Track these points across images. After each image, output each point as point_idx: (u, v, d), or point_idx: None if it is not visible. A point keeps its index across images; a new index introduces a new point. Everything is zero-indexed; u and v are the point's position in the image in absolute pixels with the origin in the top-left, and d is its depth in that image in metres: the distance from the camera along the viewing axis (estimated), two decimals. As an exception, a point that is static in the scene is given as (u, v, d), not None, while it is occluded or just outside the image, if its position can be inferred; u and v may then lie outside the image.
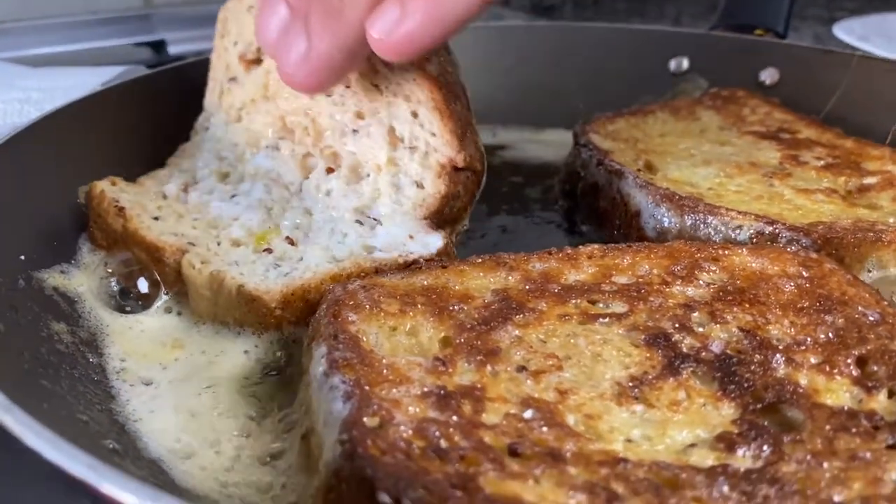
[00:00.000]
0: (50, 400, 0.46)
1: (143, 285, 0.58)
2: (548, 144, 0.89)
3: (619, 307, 0.47)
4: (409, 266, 0.53)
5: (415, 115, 0.58)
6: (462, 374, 0.42)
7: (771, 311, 0.46)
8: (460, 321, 0.45)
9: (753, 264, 0.50)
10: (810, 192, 0.62)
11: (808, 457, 0.36)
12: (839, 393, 0.41)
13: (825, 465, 0.36)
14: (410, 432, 0.37)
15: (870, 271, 0.55)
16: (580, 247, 0.52)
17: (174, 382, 0.51)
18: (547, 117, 0.90)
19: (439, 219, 0.57)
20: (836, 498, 0.34)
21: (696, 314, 0.46)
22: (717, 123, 0.77)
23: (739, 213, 0.57)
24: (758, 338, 0.44)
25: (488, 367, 0.42)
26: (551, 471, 0.35)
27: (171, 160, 0.69)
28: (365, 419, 0.37)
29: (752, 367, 0.42)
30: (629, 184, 0.64)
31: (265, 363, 0.52)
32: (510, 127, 0.91)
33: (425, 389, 0.40)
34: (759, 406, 0.40)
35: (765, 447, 0.37)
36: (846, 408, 0.40)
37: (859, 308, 0.46)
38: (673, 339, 0.44)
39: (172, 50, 1.32)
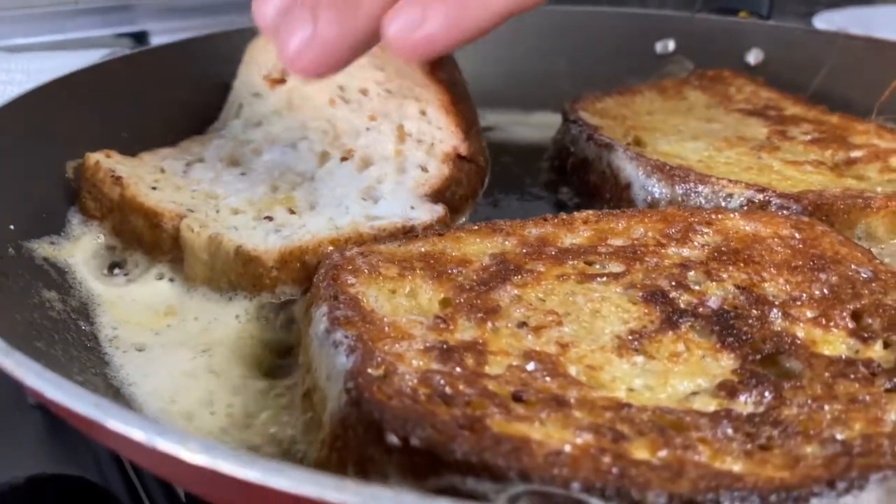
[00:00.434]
0: (44, 361, 0.45)
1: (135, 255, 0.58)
2: (535, 126, 0.89)
3: (615, 267, 0.47)
4: (407, 233, 0.54)
5: (423, 113, 0.63)
6: (463, 330, 0.42)
7: (766, 269, 0.47)
8: (459, 283, 0.46)
9: (747, 227, 0.50)
10: (799, 163, 0.63)
11: (809, 401, 0.37)
12: (836, 344, 0.41)
13: (826, 407, 0.36)
14: (416, 381, 0.37)
15: (859, 238, 0.56)
16: (575, 212, 0.52)
17: (167, 347, 0.51)
18: (534, 100, 0.91)
19: (441, 200, 0.59)
20: (838, 436, 0.34)
21: (691, 273, 0.46)
22: (703, 102, 0.78)
23: (730, 181, 0.58)
24: (754, 294, 0.45)
25: (489, 324, 0.42)
26: (556, 414, 0.35)
27: (181, 144, 0.69)
28: (369, 370, 0.37)
29: (750, 321, 0.43)
30: (619, 156, 0.64)
31: (258, 327, 0.52)
32: (498, 109, 0.91)
33: (427, 344, 0.40)
34: (758, 357, 0.41)
35: (766, 393, 0.38)
36: (844, 357, 0.40)
37: (852, 266, 0.46)
38: (670, 296, 0.45)
39: (155, 41, 1.31)
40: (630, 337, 0.42)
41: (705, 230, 0.50)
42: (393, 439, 0.33)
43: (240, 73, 0.73)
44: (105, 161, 0.61)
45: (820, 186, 0.59)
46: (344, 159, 0.64)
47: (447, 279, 0.46)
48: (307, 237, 0.54)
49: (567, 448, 0.33)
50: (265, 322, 0.52)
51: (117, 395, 0.47)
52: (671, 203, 0.59)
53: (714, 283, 0.46)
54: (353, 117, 0.66)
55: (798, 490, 0.31)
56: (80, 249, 0.59)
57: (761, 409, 0.37)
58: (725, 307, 0.44)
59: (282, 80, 0.70)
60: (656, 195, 0.60)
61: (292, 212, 0.57)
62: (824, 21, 1.30)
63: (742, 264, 0.47)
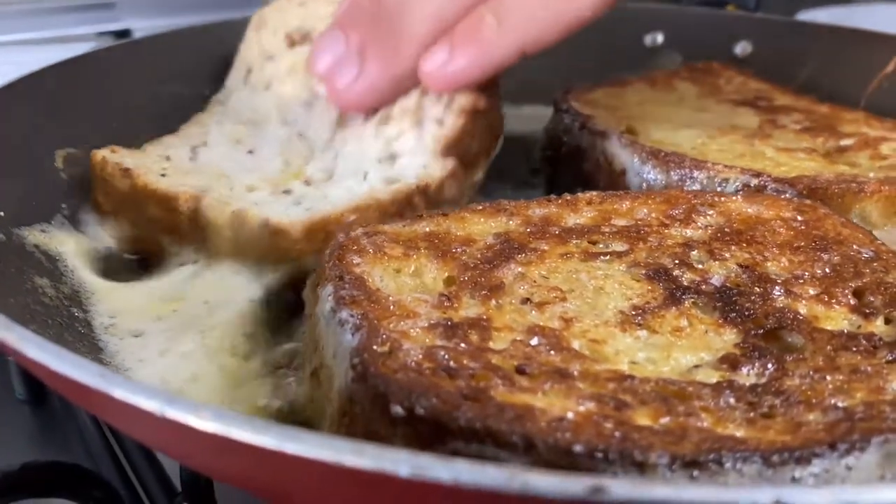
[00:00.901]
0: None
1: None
2: (526, 119, 0.89)
3: (619, 246, 0.47)
4: (423, 193, 0.56)
5: None
6: (467, 307, 0.42)
7: (768, 249, 0.47)
8: (463, 262, 0.46)
9: (749, 210, 0.51)
10: (791, 150, 0.64)
11: (811, 372, 0.37)
12: (838, 320, 0.42)
13: (828, 378, 0.37)
14: (420, 356, 0.37)
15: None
16: (579, 193, 0.52)
17: (167, 332, 0.50)
18: (524, 93, 0.90)
19: (455, 154, 0.60)
20: (840, 404, 0.35)
21: (694, 252, 0.47)
22: (694, 93, 0.79)
23: (726, 166, 0.58)
24: (756, 273, 0.45)
25: (493, 301, 0.42)
26: (559, 385, 0.35)
27: (181, 129, 0.68)
28: (375, 346, 0.37)
29: (752, 298, 0.43)
30: (614, 144, 0.64)
31: (267, 309, 0.52)
32: (487, 103, 0.91)
33: (432, 321, 0.40)
34: (760, 332, 0.41)
35: (768, 365, 0.38)
36: (846, 331, 0.40)
37: (854, 246, 0.47)
38: (673, 274, 0.45)
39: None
40: (633, 312, 0.42)
41: (708, 211, 0.50)
42: (398, 410, 0.33)
43: (247, 40, 0.73)
44: (111, 156, 0.61)
45: (813, 172, 0.59)
46: (363, 119, 0.64)
47: (451, 258, 0.45)
48: (328, 207, 0.54)
49: (570, 415, 0.33)
50: (276, 303, 0.52)
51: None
52: (666, 188, 0.59)
53: (717, 261, 0.46)
54: None
55: (800, 451, 0.31)
56: (73, 240, 0.59)
57: (763, 380, 0.37)
58: (728, 285, 0.44)
59: (302, 41, 0.70)
60: (651, 181, 0.61)
61: (308, 183, 0.58)
62: (807, 18, 1.31)
63: (745, 244, 0.47)
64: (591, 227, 0.49)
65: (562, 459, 0.31)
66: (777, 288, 0.43)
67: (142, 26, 1.33)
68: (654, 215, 0.50)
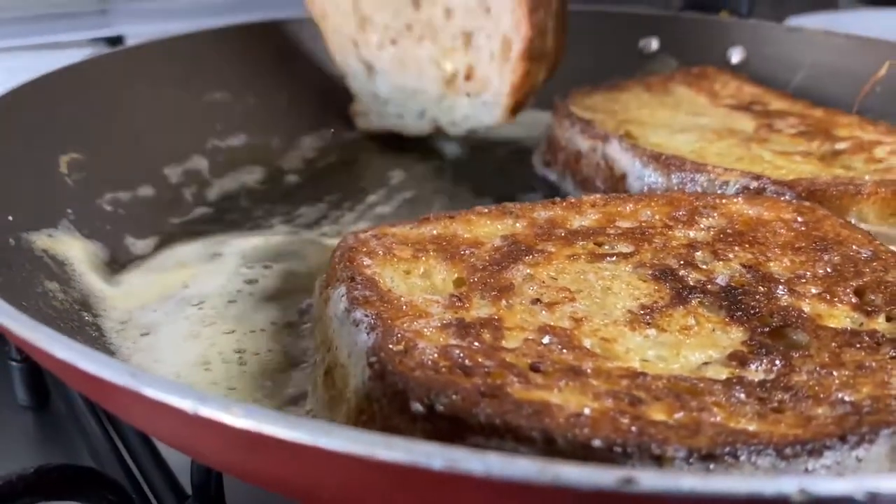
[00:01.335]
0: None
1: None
2: (522, 125, 0.90)
3: (624, 248, 0.48)
4: None
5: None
6: (478, 308, 0.43)
7: (770, 250, 0.48)
8: (472, 263, 0.46)
9: (750, 211, 0.52)
10: (788, 154, 0.65)
11: (818, 368, 0.38)
12: (841, 318, 0.43)
13: (834, 373, 0.38)
14: (436, 354, 0.37)
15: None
16: (583, 196, 0.53)
17: (179, 331, 0.51)
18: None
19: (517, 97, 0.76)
20: (847, 399, 0.36)
21: (699, 253, 0.48)
22: (690, 97, 0.80)
23: (725, 169, 0.59)
24: (760, 272, 0.46)
25: (503, 301, 0.43)
26: (574, 383, 0.36)
27: None
28: (390, 345, 0.38)
29: (757, 297, 0.44)
30: (614, 148, 0.65)
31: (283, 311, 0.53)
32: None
33: (445, 321, 0.41)
34: (766, 329, 0.42)
35: (776, 362, 0.39)
36: (849, 328, 0.41)
37: (854, 247, 0.48)
38: (679, 274, 0.46)
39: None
40: (642, 312, 0.43)
41: (711, 213, 0.51)
42: (417, 407, 0.34)
43: (324, 30, 0.85)
44: None
45: (810, 175, 0.60)
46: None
47: (460, 260, 0.46)
48: None
49: (587, 411, 0.34)
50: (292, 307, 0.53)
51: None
52: (667, 192, 0.60)
53: (721, 262, 0.47)
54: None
55: (812, 443, 0.32)
56: (79, 244, 0.59)
57: (772, 376, 0.38)
58: (733, 284, 0.45)
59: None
60: (652, 185, 0.62)
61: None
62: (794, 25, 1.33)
63: (747, 245, 0.48)
64: (597, 229, 0.50)
65: (580, 454, 0.32)
66: (780, 287, 0.44)
67: (134, 32, 1.33)
68: (657, 217, 0.51)
